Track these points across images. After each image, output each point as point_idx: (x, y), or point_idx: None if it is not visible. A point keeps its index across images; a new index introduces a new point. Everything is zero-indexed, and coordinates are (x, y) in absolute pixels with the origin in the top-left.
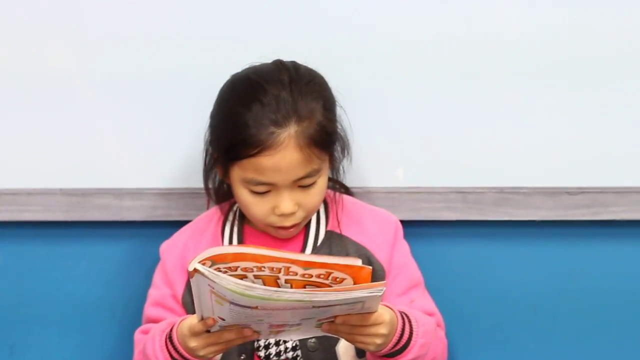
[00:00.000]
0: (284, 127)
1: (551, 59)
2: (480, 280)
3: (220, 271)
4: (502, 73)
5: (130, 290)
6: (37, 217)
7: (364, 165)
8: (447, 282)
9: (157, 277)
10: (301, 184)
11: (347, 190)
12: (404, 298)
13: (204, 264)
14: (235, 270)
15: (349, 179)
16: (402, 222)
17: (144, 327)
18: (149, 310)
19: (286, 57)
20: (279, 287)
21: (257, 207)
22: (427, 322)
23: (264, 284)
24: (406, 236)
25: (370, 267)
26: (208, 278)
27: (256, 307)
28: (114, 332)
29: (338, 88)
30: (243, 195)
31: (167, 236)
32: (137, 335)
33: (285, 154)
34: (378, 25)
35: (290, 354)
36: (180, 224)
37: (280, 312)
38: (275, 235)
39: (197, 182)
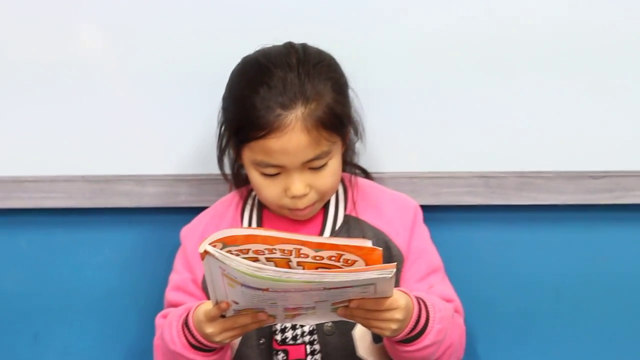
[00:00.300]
0: (291, 109)
1: (573, 43)
2: (502, 265)
3: (231, 254)
4: (523, 57)
5: (153, 277)
6: (59, 204)
7: (386, 149)
8: (469, 268)
9: (178, 262)
10: (311, 165)
11: (366, 175)
12: (423, 283)
13: (214, 246)
14: (247, 252)
15: (370, 164)
16: (423, 207)
17: (164, 311)
18: (170, 294)
19: (299, 41)
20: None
21: (268, 189)
22: (444, 308)
23: (276, 267)
24: (427, 221)
25: (381, 249)
26: (218, 260)
27: (267, 290)
28: (136, 319)
29: (356, 72)
30: (255, 177)
31: (189, 222)
32: (158, 319)
33: (292, 135)
34: (397, 10)
35: (307, 338)
36: (201, 210)
37: (291, 295)
38: (291, 217)
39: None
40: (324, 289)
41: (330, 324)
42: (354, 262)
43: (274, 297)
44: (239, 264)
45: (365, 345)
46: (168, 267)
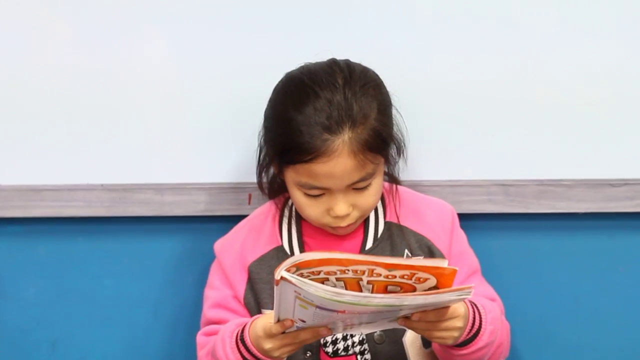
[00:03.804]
0: (338, 133)
1: (591, 51)
2: (522, 273)
3: (303, 276)
4: (542, 65)
5: (172, 286)
6: (79, 212)
7: (407, 157)
8: (489, 275)
9: (215, 278)
10: (356, 187)
11: (397, 182)
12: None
13: (288, 271)
14: (318, 274)
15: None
16: None
17: (207, 329)
18: (209, 312)
19: (340, 56)
20: (360, 288)
21: (311, 208)
22: (493, 309)
23: (345, 286)
24: None
25: (457, 268)
26: (296, 285)
27: (343, 311)
28: (155, 328)
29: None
30: (297, 196)
31: (209, 231)
32: (200, 337)
33: (339, 160)
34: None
35: (357, 348)
36: (221, 218)
37: (366, 315)
38: (332, 232)
39: (239, 177)
40: (397, 310)
41: (379, 332)
42: (426, 279)
43: (346, 317)
44: (318, 289)
45: (416, 351)
46: (189, 276)
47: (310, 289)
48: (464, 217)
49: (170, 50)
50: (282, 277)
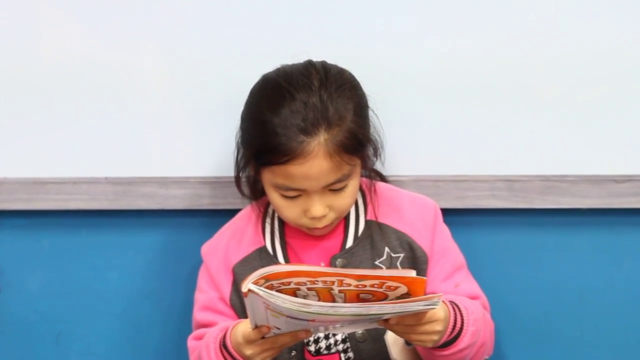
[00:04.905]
0: (313, 135)
1: (596, 47)
2: (526, 268)
3: (273, 287)
4: (546, 62)
5: (176, 279)
6: (83, 206)
7: (410, 153)
8: (493, 271)
9: (202, 281)
10: (332, 188)
11: (382, 178)
12: (449, 282)
13: (257, 283)
14: (289, 284)
15: (395, 167)
16: (447, 210)
17: (196, 333)
18: (198, 315)
19: (318, 57)
20: (332, 297)
21: (288, 209)
22: (476, 310)
23: (318, 295)
24: (451, 224)
25: (425, 278)
26: (263, 298)
27: (313, 320)
28: (158, 321)
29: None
30: (274, 198)
31: (214, 225)
32: (190, 342)
33: (314, 162)
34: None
35: (340, 347)
36: (225, 212)
37: (338, 322)
38: (309, 233)
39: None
40: (369, 318)
41: (362, 330)
42: (397, 287)
43: (318, 324)
44: (285, 301)
45: (398, 349)
46: (191, 270)
47: (278, 301)
48: (468, 213)
49: (174, 43)
50: (249, 290)
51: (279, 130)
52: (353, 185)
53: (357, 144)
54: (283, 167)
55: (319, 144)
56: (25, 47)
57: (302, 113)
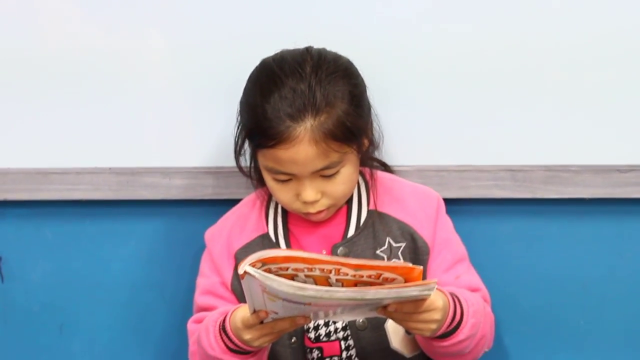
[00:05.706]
0: (300, 121)
1: (597, 37)
2: (529, 258)
3: (271, 271)
4: (549, 51)
5: (179, 269)
6: (86, 196)
7: (413, 143)
8: (496, 261)
9: (205, 265)
10: (322, 174)
11: (386, 168)
12: (450, 274)
13: (254, 266)
14: (286, 270)
15: (398, 157)
16: (450, 200)
17: (196, 316)
18: (199, 299)
19: (319, 44)
20: (330, 285)
21: (281, 193)
22: (476, 302)
23: (315, 283)
24: (455, 214)
25: (422, 267)
26: (259, 280)
27: (309, 304)
28: (162, 311)
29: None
30: (268, 180)
31: (217, 215)
32: (190, 325)
33: (300, 147)
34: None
35: (340, 334)
36: (229, 202)
37: (333, 307)
38: (307, 219)
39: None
40: (365, 303)
41: (362, 318)
42: (394, 279)
43: (315, 308)
44: (281, 284)
45: (399, 338)
46: (194, 260)
47: (273, 283)
48: (471, 202)
49: (176, 34)
50: (245, 272)
51: (269, 114)
52: (347, 172)
53: (347, 132)
54: (272, 151)
55: (305, 129)
56: (27, 37)
57: (289, 99)
